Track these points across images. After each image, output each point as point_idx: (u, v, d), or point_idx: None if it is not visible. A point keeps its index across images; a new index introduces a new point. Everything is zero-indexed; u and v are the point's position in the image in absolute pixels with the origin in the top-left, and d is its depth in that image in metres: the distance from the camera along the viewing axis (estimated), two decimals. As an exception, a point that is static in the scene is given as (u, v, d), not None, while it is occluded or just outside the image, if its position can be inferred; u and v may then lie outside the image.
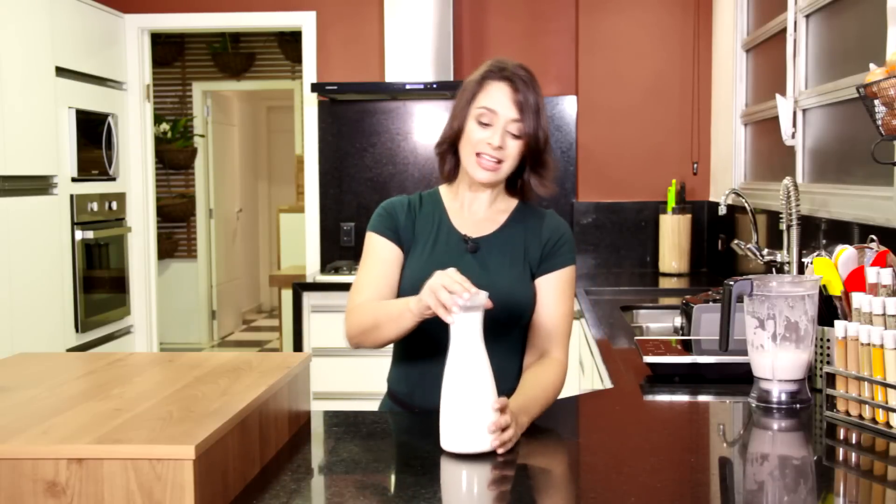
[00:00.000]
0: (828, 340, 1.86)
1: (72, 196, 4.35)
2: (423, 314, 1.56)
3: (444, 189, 1.92)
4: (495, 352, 1.79)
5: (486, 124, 1.76)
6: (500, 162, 1.76)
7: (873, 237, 1.96)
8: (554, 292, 1.82)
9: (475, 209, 1.86)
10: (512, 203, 1.89)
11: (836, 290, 1.88)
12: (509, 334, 1.81)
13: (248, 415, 1.37)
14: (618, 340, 2.61)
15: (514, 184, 1.87)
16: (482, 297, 1.47)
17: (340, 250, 4.86)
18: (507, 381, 1.71)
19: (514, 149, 1.77)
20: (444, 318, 1.48)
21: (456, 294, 1.46)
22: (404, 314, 1.61)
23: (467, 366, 1.48)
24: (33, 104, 4.06)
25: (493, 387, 1.49)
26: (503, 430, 1.48)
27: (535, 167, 1.82)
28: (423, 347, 1.80)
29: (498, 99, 1.76)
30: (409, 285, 1.77)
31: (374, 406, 1.92)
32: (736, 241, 3.08)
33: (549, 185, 1.84)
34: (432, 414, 1.77)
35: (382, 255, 1.82)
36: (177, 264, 7.66)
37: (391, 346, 1.89)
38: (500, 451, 1.47)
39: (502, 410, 1.48)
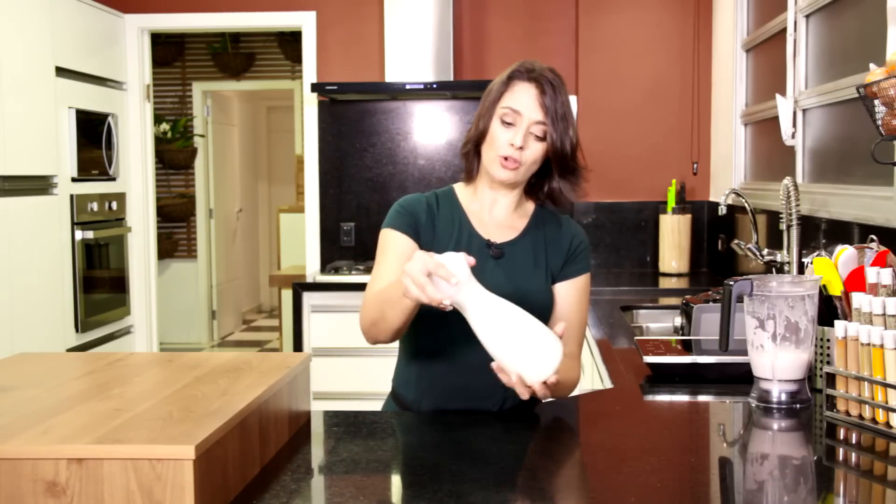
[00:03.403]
0: (828, 340, 1.86)
1: (72, 196, 4.35)
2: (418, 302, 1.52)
3: (460, 189, 1.87)
4: None
5: (510, 124, 1.72)
6: (519, 163, 1.73)
7: (873, 237, 1.96)
8: (569, 299, 1.81)
9: (496, 213, 1.83)
10: (530, 208, 1.86)
11: (836, 290, 1.87)
12: None
13: (248, 415, 1.37)
14: (618, 340, 2.61)
15: (534, 188, 1.83)
16: (462, 268, 1.47)
17: (340, 250, 4.86)
18: None
19: (536, 151, 1.73)
20: (441, 308, 1.48)
21: (435, 287, 1.45)
22: (403, 300, 1.54)
23: (497, 312, 1.51)
24: (33, 104, 4.06)
25: (527, 314, 1.54)
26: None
27: (563, 174, 1.78)
28: (432, 354, 1.78)
29: (523, 100, 1.72)
30: None
31: (374, 406, 1.92)
32: (736, 241, 3.08)
33: (578, 192, 1.81)
34: (434, 415, 1.78)
35: (402, 250, 1.74)
36: (177, 264, 7.66)
37: (396, 346, 1.88)
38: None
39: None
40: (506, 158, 1.72)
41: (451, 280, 1.45)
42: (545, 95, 1.71)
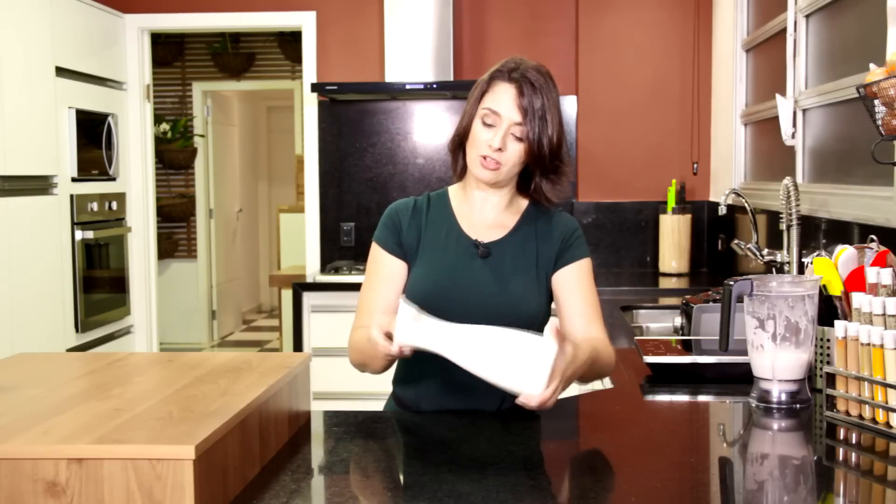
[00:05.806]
0: (828, 340, 1.86)
1: (72, 196, 4.35)
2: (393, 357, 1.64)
3: (453, 189, 1.89)
4: None
5: (490, 125, 1.74)
6: (500, 163, 1.75)
7: (873, 237, 1.96)
8: (577, 281, 1.81)
9: (485, 213, 1.84)
10: (522, 205, 1.86)
11: (836, 290, 1.88)
12: None
13: (248, 415, 1.37)
14: (618, 340, 2.61)
15: (526, 184, 1.84)
16: (404, 316, 1.52)
17: (340, 250, 4.86)
18: None
19: (515, 152, 1.74)
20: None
21: (383, 347, 1.57)
22: (378, 354, 1.65)
23: (466, 343, 1.51)
24: (33, 104, 4.06)
25: (496, 329, 1.52)
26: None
27: (544, 173, 1.79)
28: (429, 355, 1.78)
29: (502, 101, 1.73)
30: (418, 291, 1.75)
31: (374, 406, 1.92)
32: (736, 241, 3.08)
33: (560, 191, 1.82)
34: (434, 415, 1.78)
35: (385, 271, 1.81)
36: (177, 264, 7.66)
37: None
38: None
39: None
40: (485, 158, 1.74)
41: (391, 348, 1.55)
42: (523, 97, 1.72)
